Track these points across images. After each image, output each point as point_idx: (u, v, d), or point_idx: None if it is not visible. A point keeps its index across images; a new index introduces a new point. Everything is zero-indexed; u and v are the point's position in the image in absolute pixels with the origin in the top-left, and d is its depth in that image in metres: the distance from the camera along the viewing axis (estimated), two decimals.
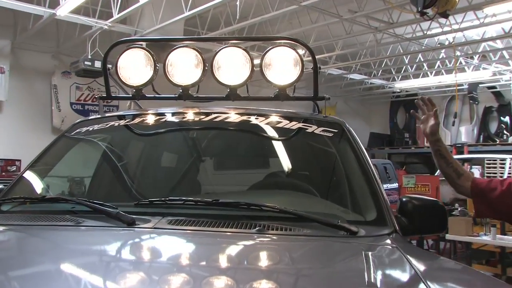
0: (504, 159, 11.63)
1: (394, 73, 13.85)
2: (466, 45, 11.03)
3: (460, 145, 14.27)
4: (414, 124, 16.36)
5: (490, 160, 12.78)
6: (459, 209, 8.61)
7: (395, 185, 10.80)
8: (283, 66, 2.25)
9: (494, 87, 14.36)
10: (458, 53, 11.73)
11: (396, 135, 16.72)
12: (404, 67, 13.27)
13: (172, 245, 1.63)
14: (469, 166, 13.39)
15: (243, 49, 2.27)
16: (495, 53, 11.72)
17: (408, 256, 1.48)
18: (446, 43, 10.97)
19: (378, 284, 1.26)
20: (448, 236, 7.79)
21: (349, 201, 2.09)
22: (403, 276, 1.42)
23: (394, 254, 1.58)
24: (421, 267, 1.44)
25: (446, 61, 12.53)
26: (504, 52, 11.59)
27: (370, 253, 1.53)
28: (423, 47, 11.26)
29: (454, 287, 1.41)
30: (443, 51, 11.79)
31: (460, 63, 12.50)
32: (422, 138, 15.65)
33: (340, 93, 16.00)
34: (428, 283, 1.26)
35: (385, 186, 11.87)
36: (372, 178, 2.05)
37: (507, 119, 14.58)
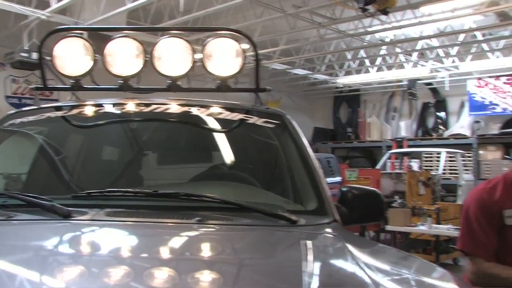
0: (439, 153, 12.09)
1: (337, 68, 14.09)
2: (405, 43, 11.36)
3: (400, 139, 14.71)
4: (356, 119, 16.72)
5: (427, 154, 13.28)
6: (398, 201, 8.91)
7: (339, 178, 11.00)
8: (224, 57, 2.25)
9: (431, 84, 14.87)
10: (398, 50, 12.09)
11: (339, 129, 17.03)
12: (347, 63, 13.52)
13: (109, 236, 1.59)
14: (408, 160, 13.85)
15: (185, 40, 2.25)
16: (431, 51, 12.13)
17: (347, 244, 1.52)
18: (387, 39, 11.26)
19: (317, 271, 1.28)
20: (388, 227, 8.06)
21: (290, 192, 2.13)
22: (341, 263, 1.46)
23: (333, 242, 1.62)
24: (359, 254, 1.48)
25: (387, 57, 12.86)
26: (440, 51, 12.02)
27: (309, 241, 1.56)
28: (364, 43, 11.52)
29: (392, 272, 1.45)
30: (384, 47, 12.09)
31: (400, 60, 12.88)
32: (364, 133, 16.04)
33: (284, 88, 16.13)
34: (366, 268, 1.29)
35: (328, 179, 12.07)
36: (313, 169, 2.08)
37: (443, 114, 15.16)
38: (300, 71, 13.93)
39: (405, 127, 15.29)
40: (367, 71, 13.77)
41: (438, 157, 12.55)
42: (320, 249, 1.56)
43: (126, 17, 8.83)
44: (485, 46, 11.63)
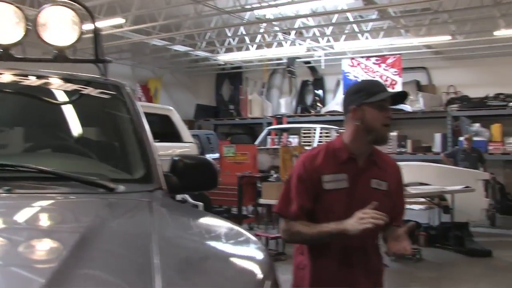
0: (315, 128, 12.62)
1: (218, 45, 14.13)
2: (282, 21, 11.65)
3: (280, 116, 15.16)
4: (238, 96, 16.94)
5: (305, 130, 13.82)
6: (274, 175, 9.22)
7: (218, 155, 11.13)
8: (59, 26, 2.16)
9: (309, 62, 15.43)
10: (276, 28, 12.37)
11: (222, 106, 17.17)
12: (227, 40, 13.60)
13: None
14: (287, 136, 14.32)
15: (16, 6, 2.13)
16: (308, 30, 12.56)
17: (155, 209, 1.57)
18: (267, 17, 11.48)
19: (100, 234, 1.30)
20: (261, 201, 8.34)
21: (120, 161, 2.16)
22: (135, 227, 1.49)
23: (139, 207, 1.67)
24: (160, 218, 1.53)
25: (266, 35, 13.11)
26: (316, 30, 12.48)
27: (115, 207, 1.59)
28: (244, 21, 11.65)
29: (178, 236, 1.50)
30: (263, 25, 12.29)
31: (279, 38, 13.19)
32: (245, 110, 16.31)
33: (166, 65, 15.93)
34: (155, 232, 1.33)
35: (208, 156, 12.15)
36: (144, 139, 2.11)
37: (320, 92, 15.82)
38: (181, 48, 13.79)
39: (285, 104, 15.76)
40: (247, 49, 13.95)
41: (315, 132, 13.12)
42: (123, 215, 1.61)
43: None
44: (356, 27, 12.26)
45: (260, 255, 1.39)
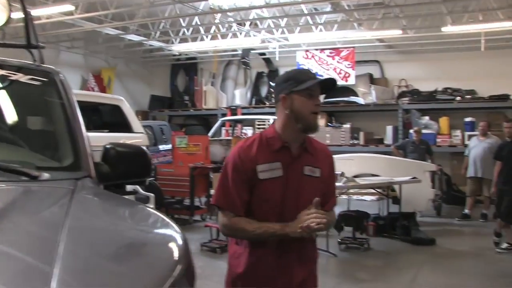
0: (269, 120, 12.66)
1: (172, 35, 13.97)
2: (236, 12, 11.62)
3: (234, 107, 15.15)
4: (193, 87, 16.82)
5: (259, 121, 13.86)
6: None
7: (171, 146, 11.06)
8: None
9: (264, 54, 15.46)
10: (231, 19, 12.33)
11: (177, 97, 17.01)
12: (182, 30, 13.46)
13: None
14: (241, 127, 14.35)
15: None
16: (263, 22, 12.57)
17: (75, 196, 1.54)
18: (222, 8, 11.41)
19: (16, 222, 1.28)
20: (213, 192, 8.30)
21: (48, 149, 2.12)
22: (49, 215, 1.47)
23: (60, 196, 1.64)
24: (80, 207, 1.52)
25: (221, 26, 13.05)
26: (270, 22, 12.50)
27: (36, 195, 1.57)
28: (198, 11, 11.55)
29: (92, 224, 1.49)
30: (218, 16, 12.22)
31: (234, 29, 13.15)
32: (200, 101, 16.22)
33: (121, 54, 15.64)
34: (67, 223, 1.32)
35: (161, 147, 12.08)
36: (75, 127, 2.07)
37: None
38: (135, 37, 13.56)
39: (239, 96, 15.76)
40: (202, 40, 13.85)
41: (269, 123, 13.17)
42: (35, 202, 1.58)
43: None
44: (310, 20, 12.35)
45: (174, 240, 1.39)
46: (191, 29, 13.19)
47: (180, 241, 1.37)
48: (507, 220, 7.64)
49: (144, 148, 2.24)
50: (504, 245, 7.68)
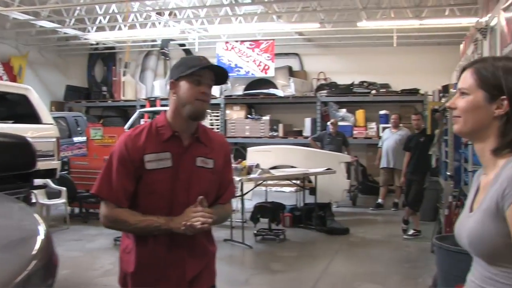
0: None
1: (88, 23, 13.44)
2: (155, 1, 11.36)
3: (153, 98, 14.86)
4: (111, 77, 16.32)
5: None
6: None
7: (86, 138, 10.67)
8: None
9: (184, 45, 15.25)
10: (149, 8, 12.03)
11: (94, 88, 16.43)
12: (99, 18, 12.98)
13: None
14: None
15: None
16: (182, 11, 12.36)
17: None
18: None
19: None
20: None
21: None
22: None
23: None
24: None
25: (139, 15, 12.70)
26: (190, 12, 12.32)
27: None
28: None
29: None
30: (135, 4, 11.88)
31: (153, 19, 12.83)
32: (118, 92, 15.77)
33: (33, 41, 14.86)
34: None
35: (75, 139, 11.64)
36: None
37: None
38: (47, 24, 12.90)
39: (159, 87, 15.47)
40: (120, 29, 13.43)
41: None
42: None
43: None
44: (230, 11, 12.28)
45: (35, 235, 1.32)
46: (108, 17, 12.74)
47: (41, 235, 1.30)
48: (414, 208, 8.00)
49: (28, 138, 2.08)
50: (411, 232, 8.05)
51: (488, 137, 1.58)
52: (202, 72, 2.29)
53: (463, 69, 1.68)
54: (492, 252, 1.50)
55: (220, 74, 2.39)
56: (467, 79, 1.63)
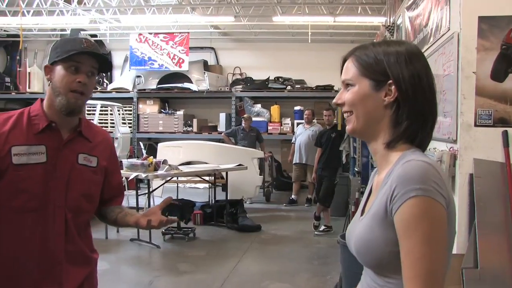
0: (96, 105, 11.94)
1: None
2: None
3: None
4: (16, 68, 15.31)
5: (90, 106, 13.00)
6: None
7: None
8: None
9: (95, 36, 14.55)
10: None
11: None
12: None
13: None
14: None
15: None
16: (92, 0, 11.75)
17: None
18: None
19: None
20: None
21: None
22: None
23: None
24: None
25: (43, 1, 11.91)
26: (101, 1, 11.75)
27: None
28: None
29: None
30: None
31: (61, 6, 12.11)
32: (24, 83, 14.82)
33: None
34: None
35: None
36: None
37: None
38: None
39: None
40: (24, 15, 12.54)
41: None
42: None
43: None
44: (143, 1, 11.84)
45: None
46: (7, 0, 11.86)
47: None
48: (325, 203, 8.02)
49: None
50: (322, 228, 8.07)
51: (381, 131, 1.42)
52: (81, 58, 1.99)
53: (344, 60, 1.53)
54: (379, 262, 1.35)
55: (104, 62, 2.11)
56: (349, 69, 1.48)
